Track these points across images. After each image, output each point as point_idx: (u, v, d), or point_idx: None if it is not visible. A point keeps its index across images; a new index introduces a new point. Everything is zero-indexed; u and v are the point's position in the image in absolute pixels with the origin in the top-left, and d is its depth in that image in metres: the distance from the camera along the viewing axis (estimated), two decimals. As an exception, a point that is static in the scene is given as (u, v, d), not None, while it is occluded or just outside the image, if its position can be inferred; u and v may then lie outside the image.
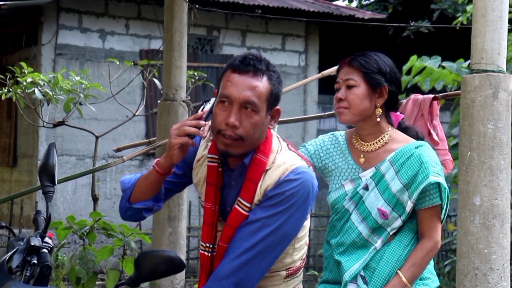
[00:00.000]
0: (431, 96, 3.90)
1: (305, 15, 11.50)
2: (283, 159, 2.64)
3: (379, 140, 3.05)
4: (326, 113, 4.76)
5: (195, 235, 10.01)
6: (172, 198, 5.52)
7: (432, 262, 3.22)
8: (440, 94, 4.04)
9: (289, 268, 2.72)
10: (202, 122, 2.61)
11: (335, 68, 5.61)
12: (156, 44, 10.69)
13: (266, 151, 2.64)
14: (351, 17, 11.78)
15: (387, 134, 3.05)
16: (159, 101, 5.64)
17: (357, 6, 14.44)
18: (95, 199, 7.22)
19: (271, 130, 2.72)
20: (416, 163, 2.97)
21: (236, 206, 2.62)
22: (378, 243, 3.05)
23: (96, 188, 7.32)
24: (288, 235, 2.61)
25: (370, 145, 3.06)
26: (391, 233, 3.04)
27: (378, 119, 3.02)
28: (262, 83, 2.61)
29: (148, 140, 6.55)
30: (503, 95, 3.25)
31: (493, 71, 3.28)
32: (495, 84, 3.25)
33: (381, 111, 3.03)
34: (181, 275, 5.67)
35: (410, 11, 13.36)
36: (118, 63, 7.96)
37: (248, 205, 2.60)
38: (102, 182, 10.39)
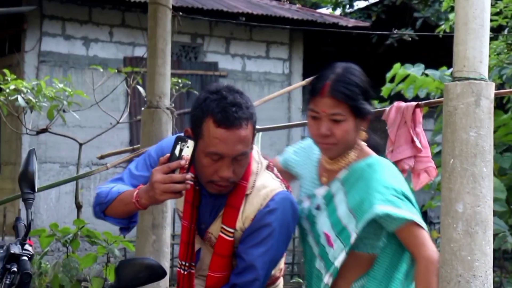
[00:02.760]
0: (414, 103, 3.93)
1: (289, 22, 11.53)
2: (263, 183, 2.63)
3: (344, 159, 2.73)
4: (310, 120, 4.76)
5: (178, 243, 10.00)
6: (156, 206, 5.51)
7: None
8: (423, 102, 4.07)
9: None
10: (188, 175, 2.52)
11: (319, 75, 5.62)
12: (140, 52, 10.67)
13: (246, 174, 2.63)
14: (334, 25, 11.82)
15: (354, 153, 2.73)
16: (142, 108, 5.64)
17: (340, 14, 14.50)
18: (78, 206, 7.19)
19: (254, 149, 2.72)
20: (364, 186, 2.62)
21: (221, 234, 2.62)
22: (326, 278, 2.69)
23: (80, 196, 7.29)
24: (275, 261, 2.67)
25: (334, 163, 2.74)
26: (338, 267, 2.66)
27: (363, 143, 2.75)
28: (249, 129, 2.57)
29: (132, 147, 6.54)
30: (485, 102, 3.27)
31: (475, 79, 3.29)
32: (477, 92, 3.27)
33: (365, 134, 2.74)
34: (165, 282, 5.65)
35: (393, 19, 13.43)
36: (102, 70, 7.94)
37: (231, 230, 2.60)
38: (86, 190, 10.35)
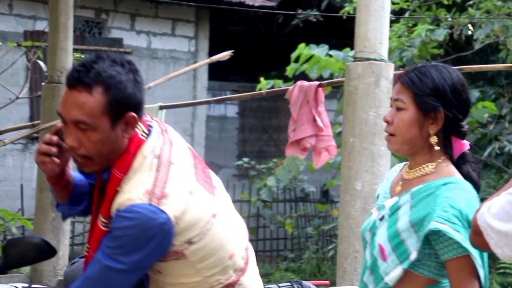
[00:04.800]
0: (317, 83, 3.98)
1: (196, 0, 11.47)
2: (131, 187, 2.39)
3: (420, 169, 2.50)
4: (214, 98, 4.77)
5: (80, 221, 9.84)
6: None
7: None
8: (325, 82, 4.13)
9: (213, 287, 2.51)
10: (55, 137, 2.41)
11: (224, 54, 5.64)
12: (41, 25, 10.39)
13: (123, 167, 2.42)
14: (241, 4, 11.82)
15: (432, 165, 2.49)
16: (43, 84, 5.50)
17: (247, -7, 14.49)
18: (-25, 183, 6.97)
19: (148, 141, 2.45)
20: (432, 203, 2.40)
21: (97, 221, 2.50)
22: None
23: (-24, 172, 7.07)
24: (133, 269, 2.42)
25: (410, 173, 2.52)
26: (391, 286, 2.45)
27: (437, 148, 2.49)
28: (93, 98, 2.33)
29: (31, 123, 6.38)
30: (384, 83, 3.35)
31: (376, 60, 3.37)
32: (377, 72, 3.34)
33: (436, 139, 2.47)
34: (64, 260, 5.57)
35: (299, 0, 13.53)
36: (0, 43, 7.70)
37: (105, 221, 2.46)
38: (-17, 166, 10.06)
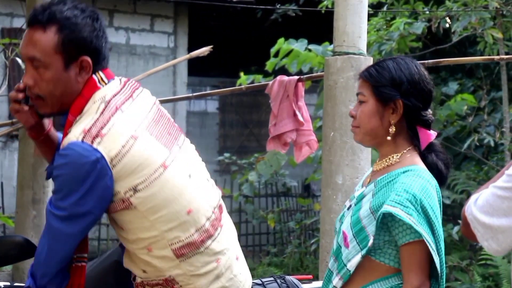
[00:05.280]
0: (296, 78, 3.99)
1: (174, -4, 11.44)
2: (77, 129, 2.43)
3: (386, 160, 2.56)
4: (194, 94, 4.77)
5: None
6: (37, 180, 5.39)
7: None
8: (305, 76, 4.14)
9: (173, 244, 2.47)
10: (22, 85, 2.50)
11: (204, 49, 5.63)
12: (19, 23, 10.32)
13: (75, 110, 2.47)
14: (220, -1, 11.81)
15: (396, 155, 2.54)
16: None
17: (226, -12, 14.48)
18: (-46, 183, 6.93)
19: (102, 89, 2.49)
20: (390, 189, 2.47)
21: None
22: (336, 280, 2.53)
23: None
24: (74, 215, 2.41)
25: (378, 164, 2.59)
26: (351, 272, 2.48)
27: (389, 138, 2.53)
28: (46, 35, 2.42)
29: (11, 121, 6.34)
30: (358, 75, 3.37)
31: (354, 54, 3.39)
32: (356, 66, 3.36)
33: (394, 129, 2.53)
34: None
35: (278, -5, 13.53)
36: (-22, 41, 7.64)
37: None
38: (-37, 166, 9.99)
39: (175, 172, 2.48)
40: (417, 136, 2.55)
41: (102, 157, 2.38)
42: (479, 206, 2.05)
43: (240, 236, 10.94)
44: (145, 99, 2.59)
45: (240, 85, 7.63)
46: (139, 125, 2.47)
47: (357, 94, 2.59)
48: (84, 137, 2.39)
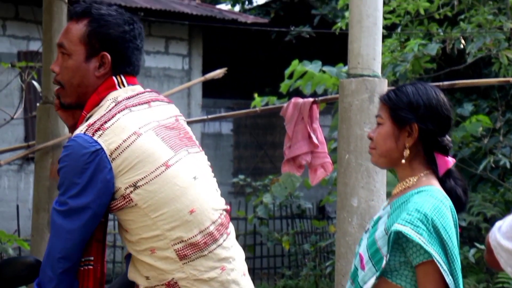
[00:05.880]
0: (311, 99, 3.99)
1: (188, 18, 11.49)
2: (84, 124, 2.49)
3: (403, 183, 2.56)
4: (209, 116, 4.78)
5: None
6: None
7: None
8: (320, 98, 4.14)
9: (175, 244, 2.46)
10: None
11: (219, 71, 5.65)
12: (35, 46, 10.40)
13: (89, 106, 2.54)
14: (234, 21, 11.86)
15: (414, 178, 2.54)
16: (38, 104, 5.50)
17: (240, 11, 14.55)
18: (-30, 205, 6.95)
19: (118, 90, 2.54)
20: (403, 209, 2.47)
21: None
22: None
23: (-28, 194, 7.05)
24: (73, 209, 2.42)
25: (396, 188, 2.59)
26: None
27: (403, 161, 2.53)
28: (77, 26, 2.54)
29: (27, 144, 6.37)
30: (378, 99, 3.36)
31: (369, 76, 3.38)
32: (371, 88, 3.36)
33: (408, 152, 2.53)
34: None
35: (291, 16, 13.58)
36: (-5, 64, 7.70)
37: None
38: (-22, 187, 10.03)
39: (178, 172, 2.49)
40: (434, 161, 2.55)
41: (102, 149, 2.42)
42: (502, 232, 2.05)
43: (254, 258, 10.90)
44: (165, 110, 2.61)
45: (254, 107, 7.63)
46: (146, 125, 2.50)
47: (376, 117, 2.62)
48: (87, 129, 2.45)
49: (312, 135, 3.93)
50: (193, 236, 2.47)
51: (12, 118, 7.22)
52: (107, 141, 2.43)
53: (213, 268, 2.49)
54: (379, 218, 2.55)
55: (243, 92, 13.32)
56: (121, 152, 2.43)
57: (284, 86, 7.77)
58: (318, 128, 3.99)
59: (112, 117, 2.48)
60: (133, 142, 2.45)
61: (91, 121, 2.48)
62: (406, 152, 2.53)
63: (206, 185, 2.57)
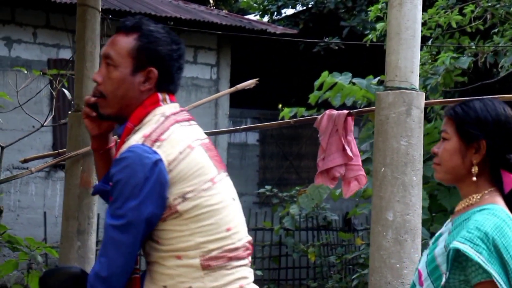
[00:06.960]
0: (346, 112, 3.96)
1: (218, 28, 11.51)
2: (137, 136, 2.48)
3: (467, 201, 2.51)
4: (241, 127, 4.76)
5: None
6: (82, 211, 5.40)
7: None
8: (355, 110, 4.11)
9: (204, 256, 2.47)
10: (92, 99, 2.63)
11: (250, 82, 5.63)
12: (65, 54, 10.47)
13: (135, 119, 2.53)
14: (263, 32, 11.86)
15: (477, 195, 2.50)
16: (69, 112, 5.51)
17: (268, 21, 14.56)
18: (-1, 211, 6.99)
19: (164, 106, 2.55)
20: (464, 227, 2.41)
21: None
22: None
23: (0, 200, 7.09)
24: (132, 223, 2.40)
25: (459, 205, 2.54)
26: None
27: (474, 179, 2.48)
28: (126, 39, 2.56)
29: (57, 151, 6.38)
30: (415, 112, 3.32)
31: (406, 89, 3.34)
32: (408, 102, 3.32)
33: (477, 169, 2.48)
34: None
35: (320, 28, 13.56)
36: (26, 72, 7.75)
37: None
38: (6, 194, 10.08)
39: (221, 190, 2.53)
40: (500, 179, 2.50)
41: (161, 160, 2.43)
42: None
43: (280, 269, 10.86)
44: (200, 130, 2.66)
45: (283, 118, 7.60)
46: (195, 140, 2.54)
47: (441, 132, 2.56)
48: (144, 140, 2.45)
49: (346, 147, 3.89)
50: (223, 251, 2.51)
51: (42, 125, 7.25)
52: (165, 152, 2.44)
53: (231, 282, 2.51)
54: (440, 235, 2.51)
55: (268, 102, 13.31)
56: (177, 164, 2.44)
57: (313, 97, 7.73)
58: (353, 140, 3.96)
59: (167, 129, 2.49)
60: (188, 155, 2.47)
61: (145, 132, 2.47)
62: (475, 169, 2.48)
63: (240, 209, 2.64)
